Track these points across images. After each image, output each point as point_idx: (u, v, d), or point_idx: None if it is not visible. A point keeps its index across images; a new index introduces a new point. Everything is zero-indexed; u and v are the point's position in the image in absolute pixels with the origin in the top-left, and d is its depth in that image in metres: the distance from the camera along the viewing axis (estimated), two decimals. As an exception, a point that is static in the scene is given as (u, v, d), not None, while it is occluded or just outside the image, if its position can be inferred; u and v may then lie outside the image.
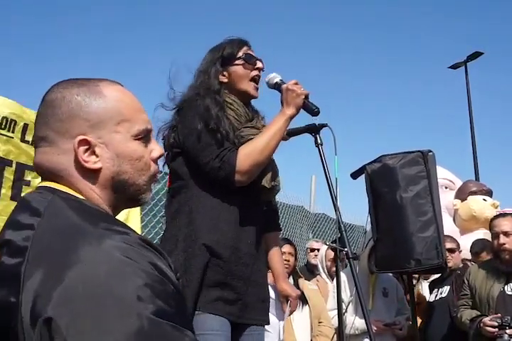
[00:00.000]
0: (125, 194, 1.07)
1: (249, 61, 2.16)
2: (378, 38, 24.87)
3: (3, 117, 3.19)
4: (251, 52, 2.20)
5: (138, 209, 4.43)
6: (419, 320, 3.96)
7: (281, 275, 2.35)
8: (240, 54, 2.17)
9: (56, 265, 0.86)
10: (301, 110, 2.10)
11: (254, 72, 2.16)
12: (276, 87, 2.14)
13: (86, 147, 1.03)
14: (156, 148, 1.12)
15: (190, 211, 2.03)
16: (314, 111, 2.09)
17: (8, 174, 3.22)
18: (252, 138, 2.07)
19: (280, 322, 2.54)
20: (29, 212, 0.98)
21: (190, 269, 1.93)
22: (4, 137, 3.24)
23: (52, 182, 1.05)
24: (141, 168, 1.08)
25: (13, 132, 3.27)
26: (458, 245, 4.34)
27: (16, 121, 3.28)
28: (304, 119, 2.28)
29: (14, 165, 3.26)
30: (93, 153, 1.03)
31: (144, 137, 1.09)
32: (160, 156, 1.12)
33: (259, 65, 2.17)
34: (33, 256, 0.89)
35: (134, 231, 0.98)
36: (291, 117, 2.06)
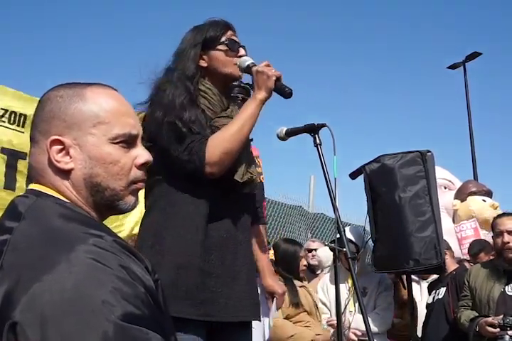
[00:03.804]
0: (101, 198, 1.06)
1: (233, 48, 2.04)
2: (377, 38, 24.90)
3: (11, 111, 3.20)
4: (234, 38, 2.08)
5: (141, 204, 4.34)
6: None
7: (267, 270, 2.23)
8: (223, 39, 2.05)
9: (27, 271, 0.87)
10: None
11: (236, 60, 2.04)
12: (248, 70, 2.03)
13: (60, 147, 1.03)
14: (142, 154, 1.09)
15: (164, 207, 1.95)
16: (287, 93, 1.95)
17: (22, 167, 3.23)
18: None
19: (265, 318, 2.46)
20: (13, 215, 0.99)
21: (162, 270, 1.81)
22: (15, 131, 3.25)
23: (39, 185, 1.06)
24: (116, 173, 1.05)
25: (23, 127, 3.28)
26: (452, 253, 4.32)
27: (25, 116, 3.28)
28: (303, 119, 2.27)
29: (28, 158, 3.27)
30: (67, 153, 1.04)
31: (125, 141, 1.06)
32: (145, 163, 1.09)
33: (241, 52, 2.05)
34: (7, 261, 0.90)
35: (112, 233, 0.98)
36: (263, 101, 1.94)
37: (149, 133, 1.93)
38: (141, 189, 1.11)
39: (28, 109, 3.31)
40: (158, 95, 1.98)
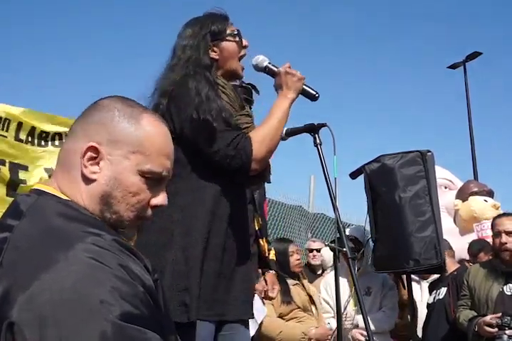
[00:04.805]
0: (108, 220, 1.05)
1: (241, 39, 2.06)
2: (377, 38, 24.89)
3: None
4: (239, 29, 2.08)
5: None
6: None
7: None
8: (230, 30, 2.05)
9: (26, 269, 0.88)
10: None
11: (243, 51, 2.08)
12: (267, 70, 2.05)
13: (94, 155, 1.04)
14: (161, 197, 1.10)
15: (187, 204, 1.88)
16: (315, 96, 2.04)
17: (2, 173, 3.21)
18: (247, 127, 1.97)
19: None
20: (14, 214, 1.00)
21: (192, 273, 1.83)
22: None
23: (42, 185, 1.07)
24: (132, 204, 1.06)
25: (7, 131, 3.26)
26: (453, 253, 4.32)
27: (9, 120, 3.27)
28: (303, 119, 2.27)
29: (8, 165, 3.26)
30: (97, 164, 1.04)
31: (153, 179, 1.07)
32: (158, 206, 1.10)
33: (245, 43, 2.08)
34: (6, 259, 0.91)
35: (112, 232, 0.99)
36: (293, 101, 1.99)
37: (173, 127, 1.88)
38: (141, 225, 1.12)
39: (14, 115, 3.29)
40: (179, 90, 1.91)
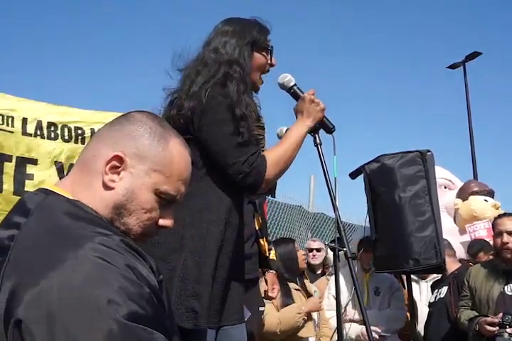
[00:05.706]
0: (116, 228, 1.05)
1: (272, 56, 2.04)
2: (377, 38, 24.90)
3: None
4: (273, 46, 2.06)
5: None
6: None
7: None
8: (266, 44, 2.03)
9: (34, 267, 0.88)
10: None
11: (268, 68, 2.06)
12: (292, 91, 2.08)
13: (117, 164, 1.05)
14: (168, 219, 1.12)
15: (200, 208, 1.83)
16: (331, 130, 2.08)
17: (8, 169, 3.21)
18: (260, 139, 1.99)
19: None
20: (21, 211, 1.00)
21: (203, 279, 1.79)
22: (3, 132, 3.23)
23: (53, 186, 1.08)
24: (142, 220, 1.07)
25: (12, 126, 3.26)
26: (454, 252, 4.33)
27: (13, 117, 3.27)
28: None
29: (14, 160, 3.26)
30: (118, 173, 1.06)
31: (165, 200, 1.09)
32: (164, 227, 1.12)
33: (274, 61, 2.06)
34: (14, 257, 0.92)
35: (119, 233, 1.00)
36: (310, 129, 2.02)
37: (192, 126, 1.84)
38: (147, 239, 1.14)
39: (17, 111, 3.30)
40: (218, 91, 1.86)
